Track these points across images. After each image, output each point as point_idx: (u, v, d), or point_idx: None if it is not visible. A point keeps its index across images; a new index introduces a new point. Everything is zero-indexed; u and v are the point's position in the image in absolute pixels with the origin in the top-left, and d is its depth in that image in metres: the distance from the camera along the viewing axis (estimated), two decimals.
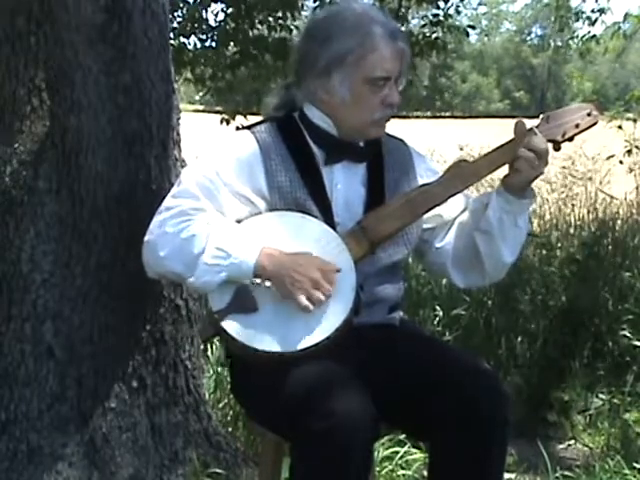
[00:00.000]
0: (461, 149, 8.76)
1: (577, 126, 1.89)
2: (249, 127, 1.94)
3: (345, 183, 1.91)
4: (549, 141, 1.87)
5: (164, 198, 1.85)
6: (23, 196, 2.34)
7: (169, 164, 2.42)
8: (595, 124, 1.92)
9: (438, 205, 1.91)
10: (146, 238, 1.82)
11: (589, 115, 1.90)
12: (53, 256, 2.33)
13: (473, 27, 7.49)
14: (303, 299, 1.73)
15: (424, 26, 6.49)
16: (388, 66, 1.84)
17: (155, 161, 2.37)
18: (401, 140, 2.05)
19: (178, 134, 2.50)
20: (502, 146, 1.88)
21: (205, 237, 1.75)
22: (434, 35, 6.35)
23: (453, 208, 1.99)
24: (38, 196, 2.34)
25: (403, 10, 6.16)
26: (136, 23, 2.29)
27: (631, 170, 5.65)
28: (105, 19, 2.24)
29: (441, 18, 6.39)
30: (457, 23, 6.82)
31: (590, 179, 5.79)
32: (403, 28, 6.16)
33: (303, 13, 6.39)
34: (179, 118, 2.50)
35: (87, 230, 2.32)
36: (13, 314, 2.34)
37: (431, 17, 6.44)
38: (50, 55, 2.31)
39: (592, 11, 6.49)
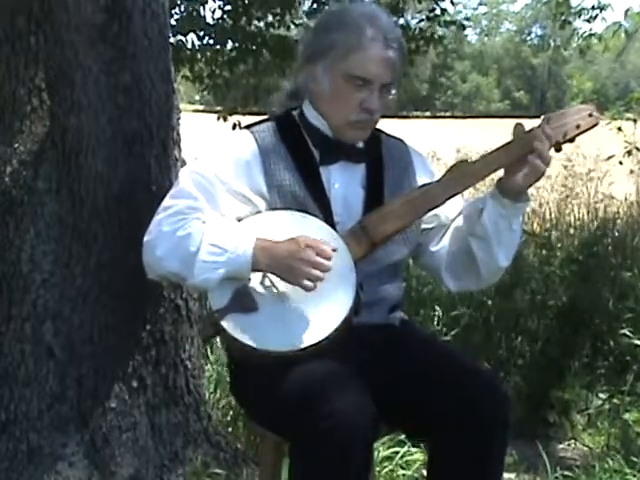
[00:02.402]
0: (458, 151, 8.77)
1: (578, 127, 1.89)
2: (248, 127, 1.94)
3: (343, 183, 1.90)
4: None
5: (164, 198, 1.85)
6: (23, 196, 2.34)
7: (169, 164, 2.42)
8: (596, 125, 1.92)
9: (438, 206, 1.91)
10: (145, 239, 1.82)
11: (590, 116, 1.90)
12: (53, 256, 2.33)
13: (468, 19, 7.52)
14: (304, 282, 1.71)
15: (420, 21, 6.49)
16: (371, 69, 1.83)
17: (155, 161, 2.37)
18: (400, 140, 2.05)
19: (178, 134, 2.50)
20: (501, 147, 1.88)
21: (200, 235, 1.75)
22: (431, 30, 6.35)
23: (451, 210, 1.99)
24: (38, 196, 2.34)
25: (401, 4, 6.15)
26: (136, 23, 2.29)
27: (632, 171, 5.66)
28: (105, 19, 2.24)
29: (437, 13, 6.40)
30: (454, 18, 6.82)
31: (590, 179, 5.79)
32: (400, 21, 6.18)
33: (301, 11, 6.40)
34: (179, 118, 2.50)
35: (87, 230, 2.32)
36: (13, 314, 2.34)
37: (427, 13, 6.45)
38: (50, 55, 2.31)
39: (592, 7, 6.45)
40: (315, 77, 1.88)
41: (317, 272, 1.71)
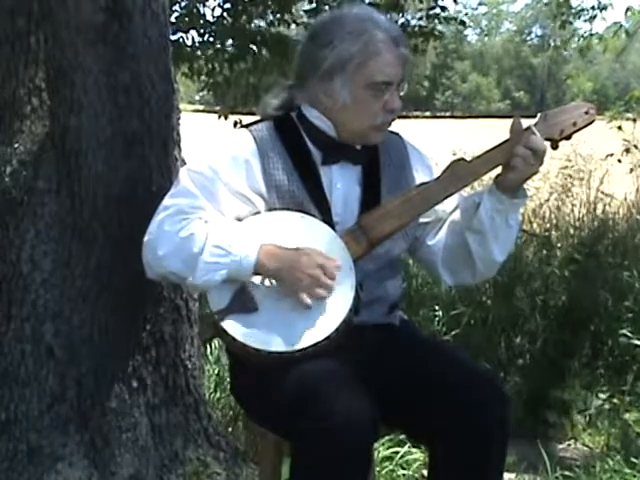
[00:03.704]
0: (454, 154, 8.76)
1: (575, 124, 1.89)
2: (247, 126, 1.94)
3: (343, 183, 1.91)
4: (547, 139, 1.87)
5: (164, 198, 1.85)
6: (23, 196, 2.34)
7: (169, 164, 2.42)
8: (592, 122, 1.92)
9: (436, 204, 1.91)
10: (145, 238, 1.82)
11: (586, 113, 1.90)
12: (53, 256, 2.33)
13: (467, 14, 7.49)
14: (304, 297, 1.73)
15: (420, 19, 6.49)
16: (390, 71, 1.84)
17: (155, 161, 2.37)
18: (396, 134, 2.05)
19: (178, 134, 2.50)
20: (499, 145, 1.88)
21: (204, 235, 1.75)
22: (431, 27, 6.35)
23: (448, 204, 1.99)
24: (38, 196, 2.34)
25: (402, 1, 6.15)
26: (136, 23, 2.29)
27: (631, 170, 5.65)
28: (105, 19, 2.24)
29: (437, 10, 6.39)
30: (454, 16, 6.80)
31: (589, 179, 5.79)
32: (400, 20, 6.17)
33: (301, 10, 6.39)
34: (179, 118, 2.49)
35: (87, 230, 2.32)
36: (13, 314, 2.34)
37: (427, 11, 6.44)
38: (50, 55, 2.31)
39: (592, 8, 6.46)
40: (331, 93, 1.86)
41: (321, 291, 1.73)
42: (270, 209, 1.84)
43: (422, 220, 1.98)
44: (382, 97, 1.85)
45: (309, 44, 1.91)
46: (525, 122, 1.88)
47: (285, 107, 1.95)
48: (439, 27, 6.41)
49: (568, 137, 1.91)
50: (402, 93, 1.90)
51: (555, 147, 1.90)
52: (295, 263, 1.74)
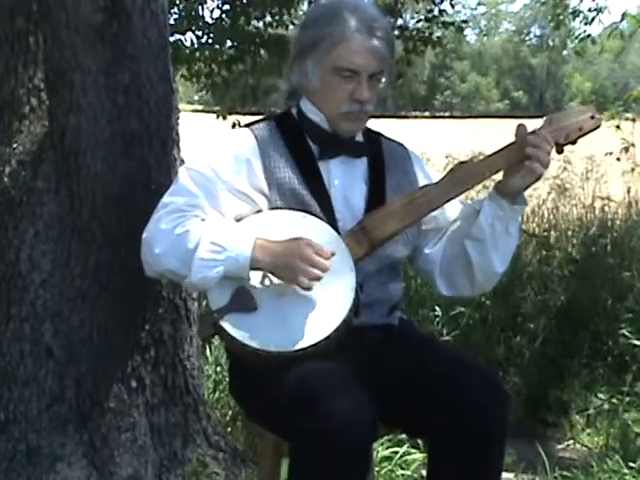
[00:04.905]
0: (447, 157, 8.75)
1: (580, 129, 1.88)
2: (247, 125, 1.94)
3: (343, 179, 1.90)
4: None
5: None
6: (22, 196, 2.34)
7: (168, 164, 2.42)
8: (598, 127, 1.91)
9: (439, 207, 1.91)
10: (143, 236, 1.82)
11: (592, 118, 1.89)
12: (52, 256, 2.33)
13: (466, 21, 7.49)
14: (303, 280, 1.71)
15: (419, 21, 6.49)
16: (356, 60, 1.83)
17: (154, 161, 2.37)
18: (400, 144, 2.06)
19: (177, 134, 2.50)
20: (503, 149, 1.88)
21: (199, 232, 1.74)
22: (429, 31, 6.35)
23: (450, 213, 1.99)
24: (37, 196, 2.34)
25: (399, 5, 6.15)
26: (135, 23, 2.29)
27: (633, 169, 5.66)
28: (104, 19, 2.24)
29: (435, 14, 6.39)
30: (452, 19, 6.80)
31: (588, 179, 5.79)
32: (398, 22, 6.17)
33: (300, 11, 6.40)
34: (178, 118, 2.50)
35: (86, 230, 2.32)
36: (12, 314, 2.34)
37: (425, 13, 6.44)
38: (49, 55, 2.31)
39: (589, 10, 6.49)
40: (306, 73, 1.89)
41: (316, 271, 1.71)
42: (272, 207, 1.84)
43: (423, 227, 1.98)
44: (348, 85, 1.85)
45: (298, 28, 1.97)
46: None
47: (294, 92, 1.96)
48: (437, 31, 6.42)
49: (573, 142, 1.90)
50: (380, 86, 1.89)
51: (560, 151, 1.90)
52: (287, 251, 1.73)
